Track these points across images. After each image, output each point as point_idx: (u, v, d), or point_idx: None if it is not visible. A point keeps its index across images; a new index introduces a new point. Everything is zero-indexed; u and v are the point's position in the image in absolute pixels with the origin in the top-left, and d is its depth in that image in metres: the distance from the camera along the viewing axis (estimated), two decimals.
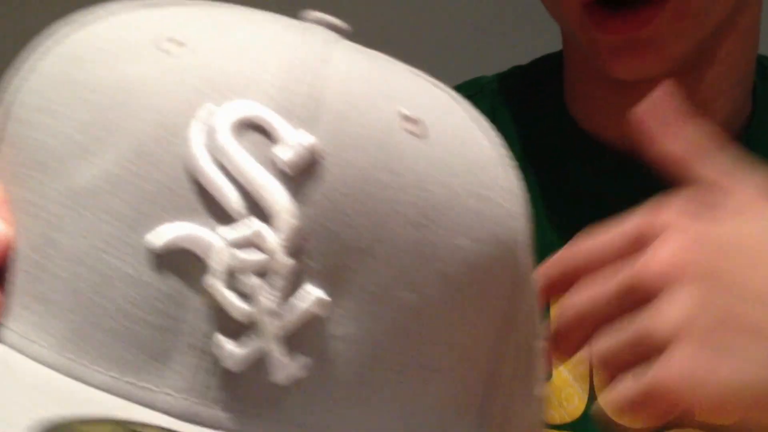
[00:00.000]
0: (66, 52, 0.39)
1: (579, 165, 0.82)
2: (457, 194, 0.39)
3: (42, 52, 0.40)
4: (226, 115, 0.36)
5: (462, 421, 0.40)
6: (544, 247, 0.46)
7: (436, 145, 0.39)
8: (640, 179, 0.74)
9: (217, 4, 0.42)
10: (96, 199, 0.36)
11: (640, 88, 0.71)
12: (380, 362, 0.37)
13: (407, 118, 0.39)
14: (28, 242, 0.37)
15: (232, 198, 0.36)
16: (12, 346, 0.36)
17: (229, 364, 0.35)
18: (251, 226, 0.36)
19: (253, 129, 0.36)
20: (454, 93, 0.43)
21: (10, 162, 0.39)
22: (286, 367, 0.36)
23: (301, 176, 0.36)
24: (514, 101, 0.85)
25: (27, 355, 0.36)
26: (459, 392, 0.40)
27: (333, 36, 0.41)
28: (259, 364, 0.35)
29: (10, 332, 0.37)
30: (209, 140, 0.36)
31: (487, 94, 0.86)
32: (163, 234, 0.36)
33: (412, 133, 0.39)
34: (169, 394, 0.35)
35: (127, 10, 0.41)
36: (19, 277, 0.37)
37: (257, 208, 0.36)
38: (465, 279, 0.39)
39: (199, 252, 0.35)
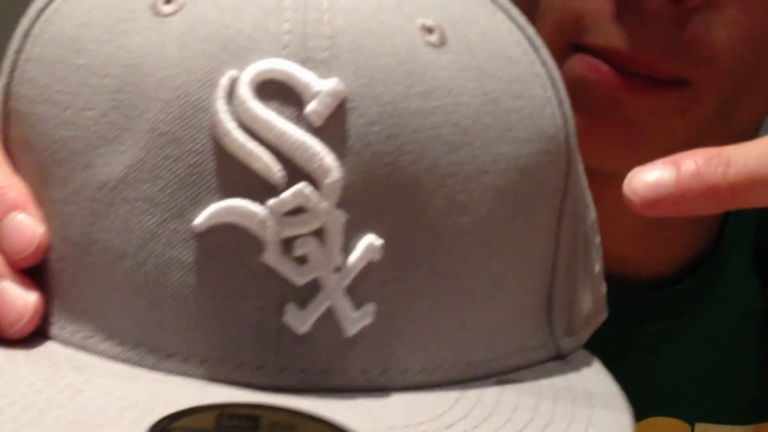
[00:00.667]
0: (58, 34, 0.37)
1: None
2: (489, 97, 0.37)
3: (34, 36, 0.38)
4: (247, 78, 0.34)
5: (530, 322, 0.40)
6: None
7: (458, 50, 0.37)
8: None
9: None
10: (129, 189, 0.35)
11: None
12: (443, 293, 0.36)
13: (425, 28, 0.37)
14: (65, 241, 0.36)
15: (271, 165, 0.34)
16: (75, 347, 0.36)
17: (301, 330, 0.35)
18: (294, 189, 0.34)
19: (277, 87, 0.34)
20: None
21: (29, 161, 0.37)
22: (354, 319, 0.35)
23: (332, 126, 0.35)
24: None
25: (96, 355, 0.35)
26: (525, 297, 0.39)
27: None
28: (328, 322, 0.35)
29: (66, 333, 0.36)
30: (235, 108, 0.34)
31: None
32: (209, 214, 0.34)
33: (432, 44, 0.37)
34: (246, 371, 0.35)
35: None
36: (64, 278, 0.36)
37: (298, 170, 0.34)
38: (517, 186, 0.38)
39: (249, 227, 0.34)
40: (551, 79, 0.40)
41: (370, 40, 0.36)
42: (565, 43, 0.56)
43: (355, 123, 0.35)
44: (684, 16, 0.53)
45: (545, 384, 0.38)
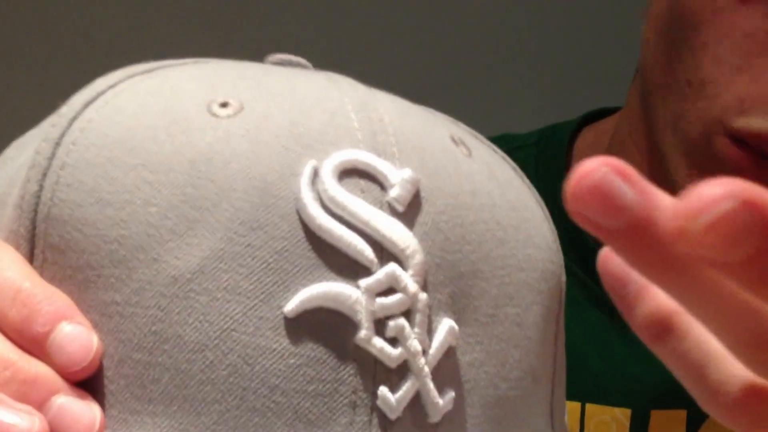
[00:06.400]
0: (100, 138, 0.36)
1: (595, 287, 0.69)
2: (511, 205, 0.40)
3: (68, 143, 0.36)
4: (330, 166, 0.35)
5: (546, 428, 0.41)
6: None
7: (481, 162, 0.40)
8: None
9: (211, 60, 0.41)
10: (208, 280, 0.34)
11: None
12: (501, 380, 0.37)
13: (454, 140, 0.40)
14: (126, 344, 0.34)
15: (362, 248, 0.35)
16: None
17: (390, 413, 0.34)
18: (387, 270, 0.35)
19: (359, 174, 0.36)
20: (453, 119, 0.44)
21: (69, 267, 0.35)
22: (439, 404, 0.35)
23: (411, 212, 0.36)
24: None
25: None
26: (545, 398, 0.41)
27: (344, 77, 0.41)
28: (417, 407, 0.35)
29: None
30: (319, 195, 0.35)
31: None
32: (301, 298, 0.34)
33: (465, 154, 0.39)
34: None
35: (137, 79, 0.38)
36: (122, 383, 0.34)
37: (385, 251, 0.35)
38: (541, 285, 0.40)
39: (342, 309, 0.34)
40: (538, 200, 0.43)
41: (423, 141, 0.38)
42: (716, 119, 0.57)
43: (428, 210, 0.36)
44: None
45: None
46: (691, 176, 0.58)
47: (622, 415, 0.67)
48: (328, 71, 0.41)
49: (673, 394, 0.66)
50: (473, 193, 0.38)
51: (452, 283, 0.36)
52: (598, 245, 0.68)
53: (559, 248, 0.43)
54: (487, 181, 0.39)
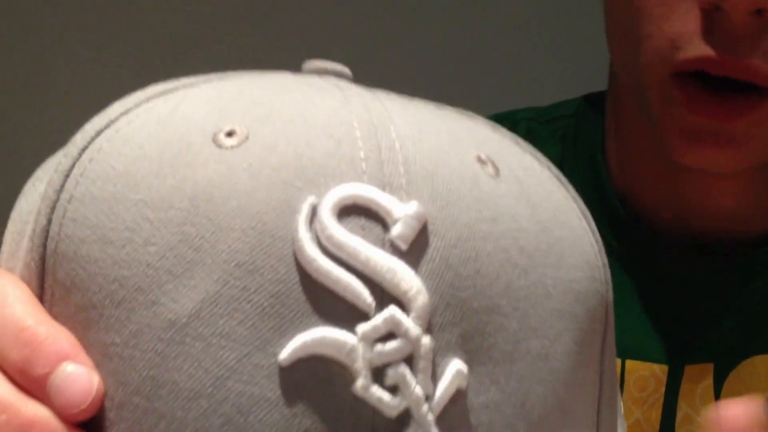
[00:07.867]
0: (106, 171, 0.35)
1: (626, 254, 0.74)
2: (542, 226, 0.38)
3: (76, 175, 0.36)
4: (329, 203, 0.34)
5: None
6: None
7: (511, 181, 0.38)
8: (700, 271, 0.74)
9: (235, 75, 0.39)
10: (204, 325, 0.33)
11: (706, 177, 0.71)
12: (521, 420, 0.35)
13: (480, 160, 0.37)
14: (125, 387, 0.34)
15: (359, 291, 0.33)
16: None
17: None
18: (386, 314, 0.33)
19: (360, 211, 0.34)
20: (493, 123, 0.41)
21: (74, 305, 0.35)
22: None
23: (416, 249, 0.34)
24: (552, 153, 0.79)
25: None
26: (585, 425, 0.39)
27: (364, 88, 0.39)
28: None
29: None
30: (318, 234, 0.33)
31: (522, 132, 0.81)
32: (295, 345, 0.33)
33: (490, 175, 0.37)
34: None
35: (151, 104, 0.37)
36: (123, 427, 0.33)
37: (386, 294, 0.33)
38: (575, 309, 0.38)
39: (339, 357, 0.33)
40: (582, 211, 0.41)
41: (438, 168, 0.36)
42: (666, 70, 0.65)
43: (436, 246, 0.34)
44: (765, 27, 0.62)
45: None
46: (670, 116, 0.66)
47: (660, 370, 0.72)
48: (361, 82, 0.40)
49: (703, 349, 0.72)
50: (493, 220, 0.36)
51: (464, 321, 0.34)
52: (628, 212, 0.75)
53: (605, 263, 0.41)
54: (514, 202, 0.37)
